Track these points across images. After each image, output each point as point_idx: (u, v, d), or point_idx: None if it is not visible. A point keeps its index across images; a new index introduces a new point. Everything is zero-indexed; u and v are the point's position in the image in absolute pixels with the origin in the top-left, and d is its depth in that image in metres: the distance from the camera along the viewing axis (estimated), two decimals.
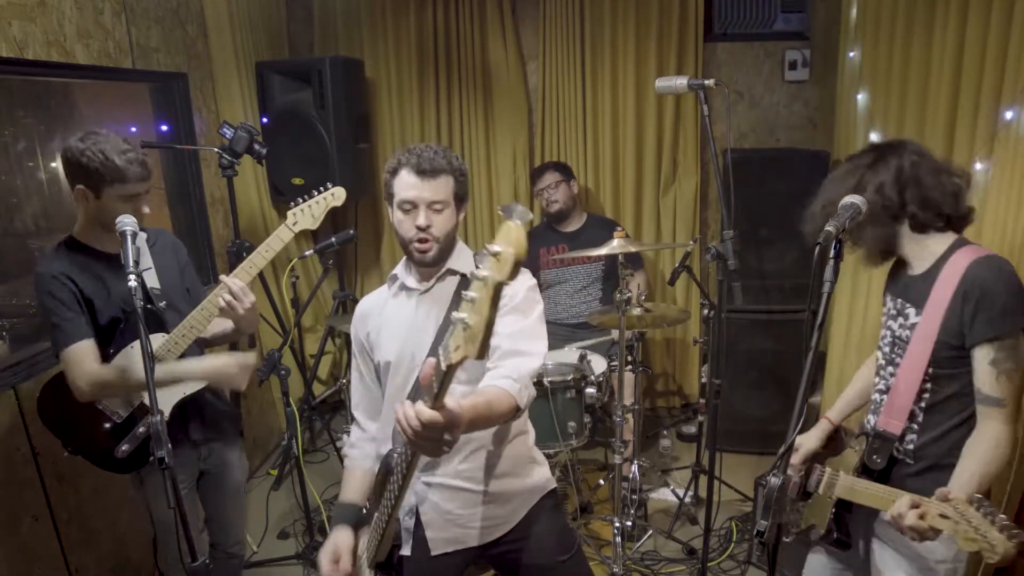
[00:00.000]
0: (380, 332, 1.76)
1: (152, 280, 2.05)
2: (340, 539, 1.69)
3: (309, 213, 2.11)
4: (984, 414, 1.52)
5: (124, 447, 1.99)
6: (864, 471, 1.68)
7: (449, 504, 1.70)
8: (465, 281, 1.65)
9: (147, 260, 2.05)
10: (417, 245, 1.64)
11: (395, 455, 1.54)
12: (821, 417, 1.90)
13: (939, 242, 1.60)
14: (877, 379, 1.76)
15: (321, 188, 2.15)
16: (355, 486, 1.80)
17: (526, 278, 1.70)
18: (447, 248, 1.69)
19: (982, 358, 1.50)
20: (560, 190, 3.58)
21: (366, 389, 1.84)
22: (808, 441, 1.84)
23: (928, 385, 1.59)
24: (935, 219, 1.58)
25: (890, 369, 1.69)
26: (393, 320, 1.74)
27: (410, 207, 1.63)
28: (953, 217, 1.59)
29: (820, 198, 1.68)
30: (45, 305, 1.88)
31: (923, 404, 1.60)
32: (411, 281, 1.73)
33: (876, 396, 1.74)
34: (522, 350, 1.58)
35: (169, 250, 2.16)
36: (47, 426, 2.06)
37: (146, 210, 1.92)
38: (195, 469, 2.19)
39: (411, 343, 1.69)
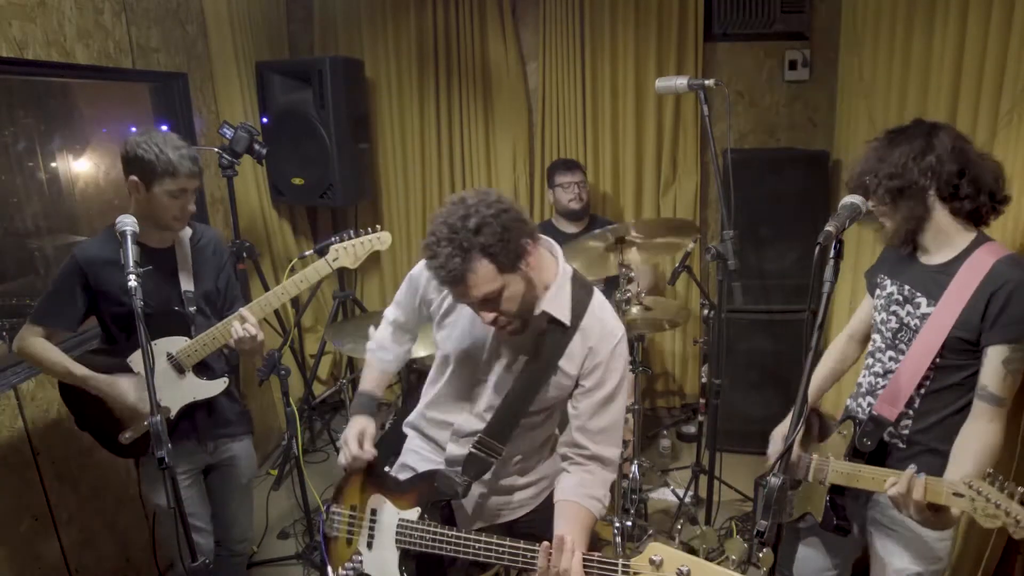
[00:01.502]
0: (444, 321, 1.72)
1: (187, 283, 2.11)
2: (365, 425, 1.79)
3: (352, 252, 2.12)
4: (983, 411, 1.53)
5: (128, 434, 2.05)
6: (854, 454, 1.69)
7: (486, 494, 1.77)
8: (555, 327, 1.58)
9: (187, 262, 2.12)
10: (498, 332, 1.56)
11: (456, 480, 1.65)
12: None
13: (962, 235, 1.60)
14: (871, 361, 1.77)
15: (369, 229, 2.13)
16: (375, 380, 1.91)
17: (624, 347, 1.63)
18: (532, 311, 1.56)
19: (995, 356, 1.51)
20: (584, 189, 3.56)
21: (405, 309, 1.85)
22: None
23: (931, 373, 1.60)
24: (978, 199, 1.57)
25: (890, 354, 1.70)
26: (463, 323, 1.69)
27: (471, 306, 1.53)
28: (987, 205, 1.59)
29: (863, 167, 1.67)
30: (56, 277, 2.02)
31: (923, 391, 1.62)
32: None
33: (870, 379, 1.76)
34: (604, 456, 1.64)
35: (210, 249, 2.20)
36: (64, 400, 2.13)
37: (192, 208, 2.01)
38: (201, 462, 2.20)
39: (474, 358, 1.68)
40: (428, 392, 1.82)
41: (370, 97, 4.03)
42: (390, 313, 1.91)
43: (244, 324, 1.98)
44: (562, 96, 3.92)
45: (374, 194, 4.20)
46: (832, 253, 1.37)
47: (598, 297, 1.66)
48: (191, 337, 2.06)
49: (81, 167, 3.33)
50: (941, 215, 1.59)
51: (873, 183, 1.60)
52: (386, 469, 1.85)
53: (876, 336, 1.77)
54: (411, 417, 1.90)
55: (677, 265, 3.01)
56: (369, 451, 1.75)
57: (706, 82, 2.09)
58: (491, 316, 1.48)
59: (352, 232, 2.11)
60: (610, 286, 3.59)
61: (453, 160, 4.13)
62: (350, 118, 3.64)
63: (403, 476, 1.81)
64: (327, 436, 3.90)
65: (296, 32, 4.15)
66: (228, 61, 3.54)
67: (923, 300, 1.62)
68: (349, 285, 4.27)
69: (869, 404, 1.73)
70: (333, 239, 2.59)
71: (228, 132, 3.04)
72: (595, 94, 3.89)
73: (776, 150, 3.88)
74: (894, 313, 1.70)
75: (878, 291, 1.77)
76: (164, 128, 3.24)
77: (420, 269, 1.76)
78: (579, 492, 1.60)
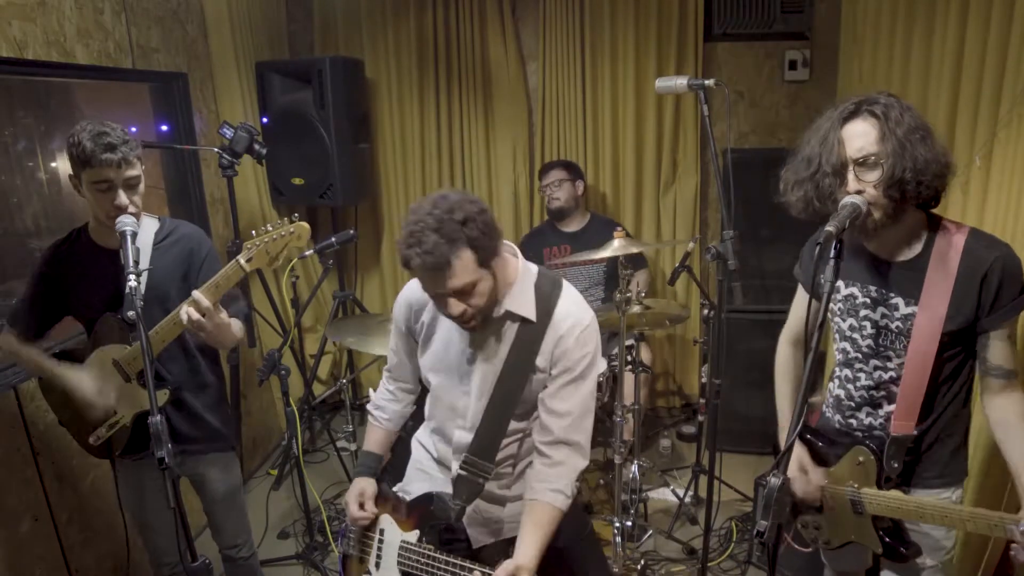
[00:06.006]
0: (427, 341, 1.76)
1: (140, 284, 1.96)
2: (365, 486, 1.84)
3: (264, 250, 1.82)
4: (1002, 387, 1.50)
5: (94, 437, 2.01)
6: (888, 481, 1.60)
7: (489, 508, 1.77)
8: (527, 327, 1.63)
9: (144, 261, 1.98)
10: (460, 325, 1.60)
11: (449, 504, 1.67)
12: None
13: (916, 222, 1.53)
14: (847, 372, 1.69)
15: (285, 220, 1.85)
16: (378, 440, 1.94)
17: (592, 331, 1.66)
18: (493, 308, 1.61)
19: (1000, 337, 1.49)
20: (563, 189, 3.57)
21: (400, 360, 1.88)
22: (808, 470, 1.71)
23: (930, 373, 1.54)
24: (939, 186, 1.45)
25: (875, 362, 1.61)
26: (442, 339, 1.73)
27: (440, 298, 1.55)
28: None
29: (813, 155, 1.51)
30: (27, 281, 2.02)
31: (925, 393, 1.55)
32: None
33: (860, 392, 1.66)
34: (572, 440, 1.64)
35: (179, 246, 2.06)
36: (45, 395, 2.12)
37: (122, 202, 1.81)
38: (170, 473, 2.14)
39: (456, 371, 1.71)
40: (427, 413, 1.86)
41: (370, 97, 4.03)
42: (387, 365, 1.94)
43: (190, 307, 1.79)
44: (562, 96, 3.92)
45: (374, 194, 4.20)
46: (832, 253, 1.35)
47: (567, 290, 1.69)
48: (130, 344, 1.94)
49: None
50: (912, 208, 1.50)
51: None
52: (395, 489, 1.87)
53: (845, 344, 1.68)
54: (418, 433, 1.92)
55: (677, 265, 3.01)
56: (370, 511, 1.82)
57: (706, 82, 2.09)
58: (460, 308, 1.53)
59: (270, 226, 1.84)
60: (610, 281, 3.60)
61: (453, 160, 4.12)
62: (350, 118, 3.64)
63: (408, 497, 1.83)
64: (327, 436, 3.90)
65: (296, 32, 4.15)
66: (228, 61, 3.54)
67: (899, 300, 1.54)
68: (349, 285, 4.27)
69: (868, 415, 1.66)
70: (332, 239, 2.59)
71: (228, 132, 3.04)
72: (595, 94, 3.89)
73: (776, 150, 3.87)
74: (865, 318, 1.61)
75: (835, 295, 1.66)
76: (163, 128, 3.26)
77: (401, 306, 1.80)
78: (540, 487, 1.62)
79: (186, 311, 1.80)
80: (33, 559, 2.32)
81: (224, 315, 1.88)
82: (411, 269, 1.51)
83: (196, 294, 1.80)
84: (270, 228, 1.83)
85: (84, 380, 1.95)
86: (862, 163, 1.44)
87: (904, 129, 1.42)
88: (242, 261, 1.82)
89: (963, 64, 2.37)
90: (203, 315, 1.79)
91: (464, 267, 1.47)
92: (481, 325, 1.61)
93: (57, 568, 2.41)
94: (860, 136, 1.44)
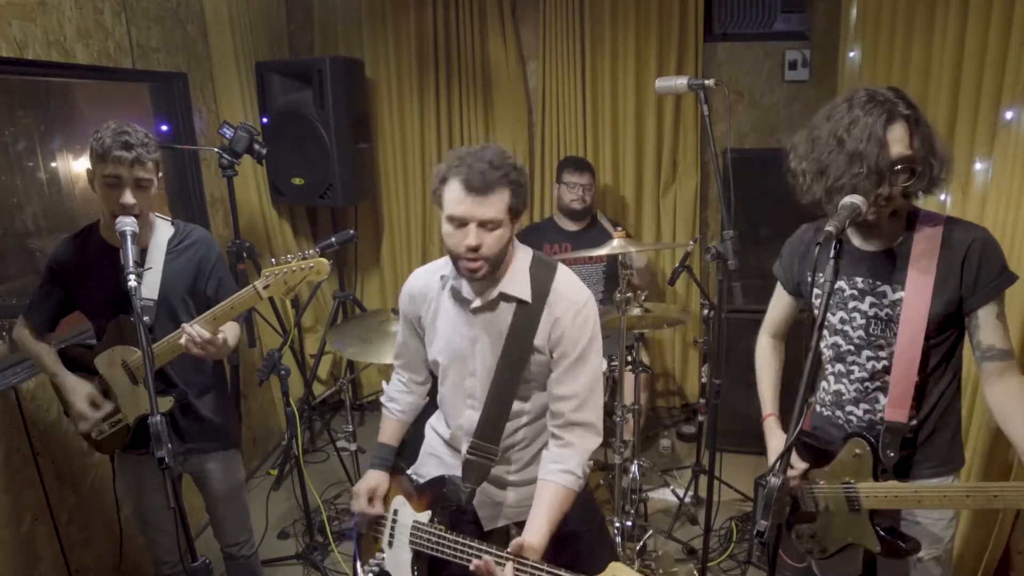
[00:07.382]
0: (432, 328, 1.80)
1: (151, 288, 1.98)
2: (379, 482, 1.85)
3: (282, 280, 1.88)
4: (1001, 369, 1.51)
5: (95, 433, 2.03)
6: (884, 472, 1.59)
7: (495, 492, 1.80)
8: (523, 308, 1.67)
9: (156, 263, 2.00)
10: (466, 264, 1.61)
11: (460, 488, 1.71)
12: (767, 417, 1.85)
13: (904, 213, 1.57)
14: (841, 367, 1.69)
15: (307, 252, 1.92)
16: (392, 432, 1.95)
17: (589, 312, 1.69)
18: (499, 265, 1.65)
19: (988, 316, 1.50)
20: (591, 192, 3.57)
21: (408, 348, 1.93)
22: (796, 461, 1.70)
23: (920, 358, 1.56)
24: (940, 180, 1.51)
25: (867, 353, 1.62)
26: (446, 325, 1.77)
27: (459, 224, 1.58)
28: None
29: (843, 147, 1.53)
30: (41, 277, 2.07)
31: (915, 379, 1.57)
32: (464, 290, 1.72)
33: (855, 386, 1.66)
34: (583, 421, 1.68)
35: (191, 251, 2.07)
36: (54, 387, 2.13)
37: (130, 199, 1.83)
38: (171, 472, 2.15)
39: (460, 353, 1.75)
40: (439, 399, 1.89)
41: (370, 97, 4.03)
42: (396, 358, 1.98)
43: (189, 339, 1.84)
44: (562, 96, 3.92)
45: (374, 194, 4.20)
46: (832, 253, 1.36)
47: (562, 272, 1.73)
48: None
49: (81, 167, 3.33)
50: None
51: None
52: (408, 472, 1.89)
53: (836, 339, 1.68)
54: (431, 419, 1.95)
55: (677, 265, 3.01)
56: (378, 510, 1.83)
57: (706, 82, 2.09)
58: (478, 240, 1.56)
59: (290, 256, 1.91)
60: (609, 282, 3.60)
61: None
62: (350, 118, 3.64)
63: (421, 479, 1.87)
64: (327, 436, 3.90)
65: (296, 32, 4.15)
66: (228, 61, 3.54)
67: (887, 288, 1.57)
68: (349, 285, 4.27)
69: (866, 411, 1.65)
70: (332, 239, 2.58)
71: (228, 132, 3.04)
72: (595, 94, 3.89)
73: (776, 150, 3.85)
74: (855, 309, 1.62)
75: (816, 291, 1.65)
76: (163, 128, 3.26)
77: (405, 298, 1.86)
78: (553, 468, 1.65)
79: (186, 341, 1.85)
80: (33, 559, 2.32)
81: (221, 335, 1.91)
82: (445, 187, 1.57)
83: (187, 327, 1.85)
84: (290, 258, 1.89)
85: (79, 391, 2.00)
86: (899, 168, 1.47)
87: (926, 131, 1.48)
88: (259, 288, 1.88)
89: (963, 64, 2.37)
90: (201, 345, 1.85)
91: (500, 203, 1.56)
92: (484, 277, 1.63)
93: (57, 568, 2.41)
94: (898, 141, 1.47)
